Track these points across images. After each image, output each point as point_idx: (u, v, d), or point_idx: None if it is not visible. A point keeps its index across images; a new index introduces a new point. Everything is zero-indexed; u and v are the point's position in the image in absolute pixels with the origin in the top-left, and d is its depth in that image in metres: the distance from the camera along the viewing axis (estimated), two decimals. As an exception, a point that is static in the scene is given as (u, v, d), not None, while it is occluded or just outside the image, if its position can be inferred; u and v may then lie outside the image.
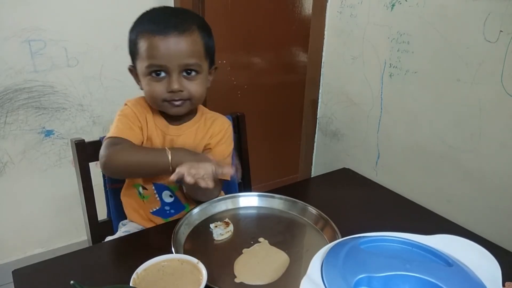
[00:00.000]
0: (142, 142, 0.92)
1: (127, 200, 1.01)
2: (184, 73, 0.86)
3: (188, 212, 0.88)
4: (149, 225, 0.97)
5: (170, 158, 0.81)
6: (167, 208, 0.98)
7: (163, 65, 0.83)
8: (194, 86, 0.87)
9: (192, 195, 0.95)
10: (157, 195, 0.97)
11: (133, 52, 0.87)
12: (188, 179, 0.74)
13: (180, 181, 0.79)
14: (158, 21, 0.84)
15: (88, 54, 1.57)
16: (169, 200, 0.98)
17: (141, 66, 0.85)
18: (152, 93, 0.86)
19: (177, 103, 0.87)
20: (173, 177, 0.76)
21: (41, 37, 1.48)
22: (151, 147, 0.93)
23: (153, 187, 0.96)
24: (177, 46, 0.82)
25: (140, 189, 0.97)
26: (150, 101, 0.90)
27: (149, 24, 0.84)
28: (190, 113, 0.96)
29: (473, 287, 0.52)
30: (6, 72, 1.46)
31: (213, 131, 0.98)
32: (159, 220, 0.98)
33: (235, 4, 1.96)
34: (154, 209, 0.98)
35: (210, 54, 0.91)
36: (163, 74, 0.85)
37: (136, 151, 0.86)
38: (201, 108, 1.00)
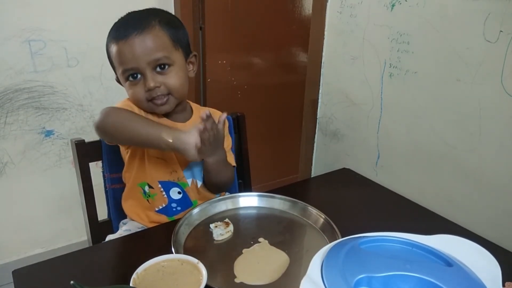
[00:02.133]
0: None
1: (130, 202, 1.00)
2: (158, 69, 0.88)
3: (188, 212, 0.88)
4: (152, 225, 0.97)
5: (171, 140, 0.80)
6: (174, 205, 0.98)
7: (134, 67, 0.86)
8: (170, 79, 0.89)
9: (212, 179, 0.97)
10: (164, 193, 0.97)
11: (111, 63, 0.92)
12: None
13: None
14: (119, 27, 0.88)
15: (88, 54, 1.57)
16: (177, 197, 0.98)
17: (119, 73, 0.89)
18: (134, 96, 0.89)
19: (159, 101, 0.89)
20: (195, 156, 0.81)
21: (41, 37, 1.48)
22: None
23: (160, 185, 0.96)
24: (140, 45, 0.85)
25: (146, 188, 0.97)
26: (136, 105, 0.92)
27: (113, 32, 0.88)
28: (184, 110, 0.99)
29: (473, 287, 0.52)
30: (6, 72, 1.46)
31: None
32: (164, 218, 0.98)
33: (235, 4, 1.96)
34: (160, 207, 0.98)
35: (181, 44, 0.92)
36: (138, 76, 0.87)
37: (136, 117, 0.85)
38: (192, 104, 1.03)
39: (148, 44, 0.85)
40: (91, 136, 1.02)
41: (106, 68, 1.63)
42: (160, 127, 0.81)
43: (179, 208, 0.98)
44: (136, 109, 0.92)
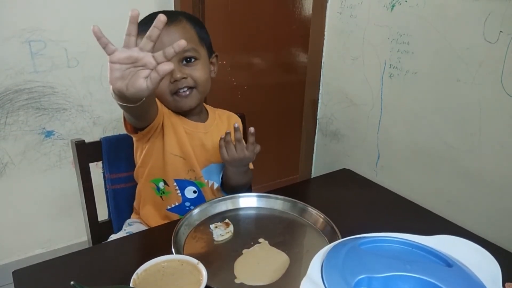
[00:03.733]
0: (158, 127, 0.90)
1: (142, 195, 1.00)
2: (184, 62, 0.89)
3: (188, 212, 0.88)
4: (161, 223, 0.98)
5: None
6: (187, 204, 0.98)
7: None
8: (196, 72, 0.91)
9: (230, 182, 0.99)
10: (178, 191, 0.97)
11: None
12: None
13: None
14: (147, 22, 0.88)
15: (88, 55, 1.57)
16: (192, 196, 0.98)
17: None
18: (159, 89, 0.88)
19: (184, 93, 0.90)
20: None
21: (41, 37, 1.48)
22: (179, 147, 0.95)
23: (175, 184, 0.96)
24: (169, 36, 0.86)
25: (161, 184, 0.97)
26: (160, 100, 0.92)
27: (140, 26, 0.86)
28: (201, 112, 1.01)
29: (473, 287, 0.52)
30: (6, 73, 1.46)
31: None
32: (175, 217, 0.98)
33: (235, 5, 1.96)
34: (173, 205, 0.98)
35: (205, 42, 0.95)
36: None
37: None
38: (207, 106, 1.05)
39: (177, 35, 0.87)
40: (91, 136, 1.02)
41: (106, 68, 1.62)
42: None
43: (192, 207, 0.98)
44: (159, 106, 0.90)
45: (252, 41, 2.09)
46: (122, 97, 0.66)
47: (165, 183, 0.96)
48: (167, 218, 0.99)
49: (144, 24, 0.90)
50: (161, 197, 0.98)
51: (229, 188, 1.02)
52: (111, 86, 0.66)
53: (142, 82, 0.63)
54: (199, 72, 0.91)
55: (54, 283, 0.71)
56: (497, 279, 0.55)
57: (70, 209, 1.71)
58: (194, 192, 0.98)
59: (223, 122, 1.04)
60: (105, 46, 0.64)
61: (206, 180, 0.99)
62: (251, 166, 1.06)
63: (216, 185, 1.01)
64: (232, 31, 2.00)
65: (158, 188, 0.97)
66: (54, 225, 1.73)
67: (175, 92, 0.90)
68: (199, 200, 0.99)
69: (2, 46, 1.43)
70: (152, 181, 0.97)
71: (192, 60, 0.90)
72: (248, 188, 1.22)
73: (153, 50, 0.64)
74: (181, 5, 1.74)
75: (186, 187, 0.97)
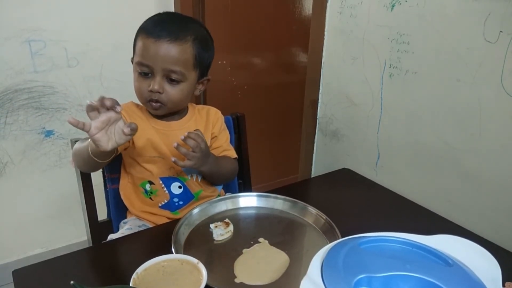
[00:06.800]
0: (130, 141, 0.94)
1: (130, 198, 1.01)
2: (168, 78, 0.90)
3: (188, 212, 0.88)
4: (154, 219, 0.99)
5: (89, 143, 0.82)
6: (175, 200, 0.99)
7: (149, 65, 0.88)
8: (174, 92, 0.91)
9: (214, 180, 1.04)
10: (165, 189, 0.98)
11: (134, 47, 0.94)
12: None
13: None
14: (156, 25, 0.90)
15: (88, 54, 1.57)
16: (178, 191, 0.99)
17: (134, 61, 0.92)
18: (138, 88, 0.92)
19: (155, 105, 0.92)
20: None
21: (41, 37, 1.48)
22: (152, 147, 0.96)
23: (160, 182, 0.98)
24: (166, 51, 0.87)
25: (147, 186, 0.98)
26: (137, 96, 0.95)
27: (149, 25, 0.90)
28: (180, 111, 1.01)
29: (473, 287, 0.52)
30: (6, 73, 1.46)
31: (213, 120, 1.05)
32: (167, 214, 0.99)
33: (235, 4, 1.96)
34: (163, 203, 0.99)
35: (201, 65, 0.95)
36: (150, 75, 0.90)
37: (78, 148, 0.88)
38: (188, 104, 1.05)
39: (173, 54, 0.88)
40: (91, 136, 1.02)
41: (106, 68, 1.63)
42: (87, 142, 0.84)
43: (181, 203, 1.00)
44: (135, 109, 0.98)
45: (252, 41, 2.08)
46: (103, 153, 0.79)
47: (151, 183, 0.98)
48: (161, 215, 1.00)
49: (146, 24, 0.91)
50: (150, 198, 0.99)
51: (216, 183, 1.05)
52: (89, 147, 0.81)
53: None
54: (176, 93, 0.91)
55: (54, 282, 0.71)
56: (497, 279, 0.55)
57: (70, 209, 1.71)
58: (180, 187, 0.99)
59: (202, 117, 1.04)
60: (82, 127, 0.73)
61: (189, 174, 1.00)
62: (233, 155, 1.07)
63: (199, 178, 1.03)
64: (232, 31, 2.00)
65: (146, 191, 0.99)
66: (54, 224, 1.73)
67: (149, 100, 0.92)
68: (186, 194, 1.00)
69: (2, 46, 1.43)
70: (140, 185, 0.99)
71: (175, 81, 0.91)
72: (248, 188, 1.23)
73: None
74: (181, 5, 1.74)
75: (172, 183, 0.99)
